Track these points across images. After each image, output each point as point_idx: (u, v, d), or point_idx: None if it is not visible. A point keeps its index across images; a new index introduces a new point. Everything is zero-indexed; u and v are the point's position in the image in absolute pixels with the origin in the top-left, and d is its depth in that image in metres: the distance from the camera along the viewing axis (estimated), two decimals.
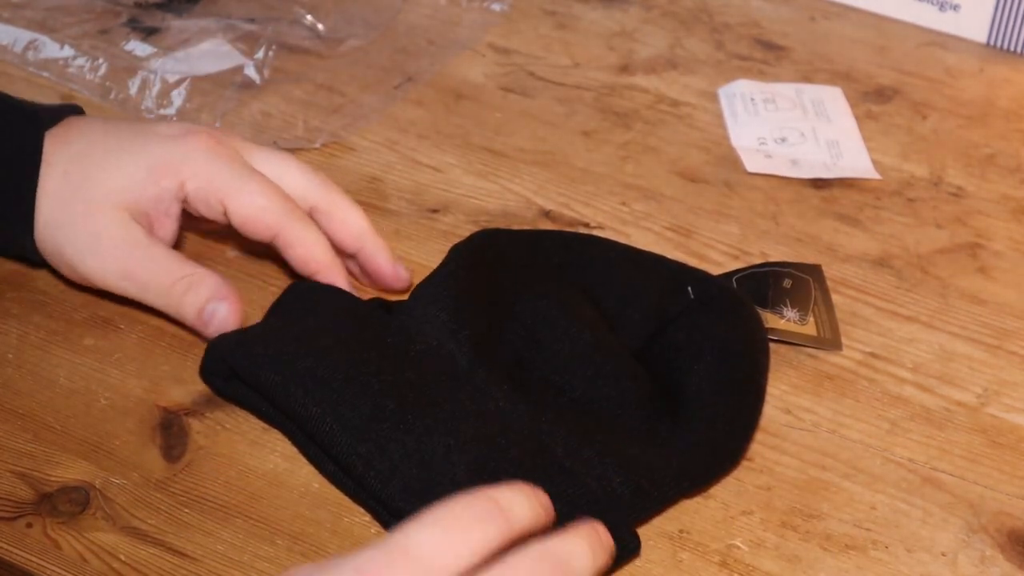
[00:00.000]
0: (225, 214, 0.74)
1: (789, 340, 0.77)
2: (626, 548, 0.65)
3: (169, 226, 0.75)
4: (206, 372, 0.73)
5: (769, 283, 0.79)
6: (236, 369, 0.70)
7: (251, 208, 0.73)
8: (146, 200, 0.73)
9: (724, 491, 0.70)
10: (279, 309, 0.74)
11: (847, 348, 0.78)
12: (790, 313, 0.77)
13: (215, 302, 0.72)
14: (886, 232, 0.86)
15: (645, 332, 0.74)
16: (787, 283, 0.79)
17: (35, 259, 0.76)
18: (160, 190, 0.73)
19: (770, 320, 0.77)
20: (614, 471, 0.66)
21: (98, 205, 0.73)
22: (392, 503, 0.65)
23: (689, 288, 0.75)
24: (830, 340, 0.78)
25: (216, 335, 0.72)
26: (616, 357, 0.72)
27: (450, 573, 0.51)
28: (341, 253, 0.76)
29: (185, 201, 0.74)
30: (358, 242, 0.76)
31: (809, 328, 0.78)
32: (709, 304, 0.74)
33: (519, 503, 0.53)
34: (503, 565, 0.52)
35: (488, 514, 0.52)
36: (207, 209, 0.74)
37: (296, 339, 0.70)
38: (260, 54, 0.96)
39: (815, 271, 0.81)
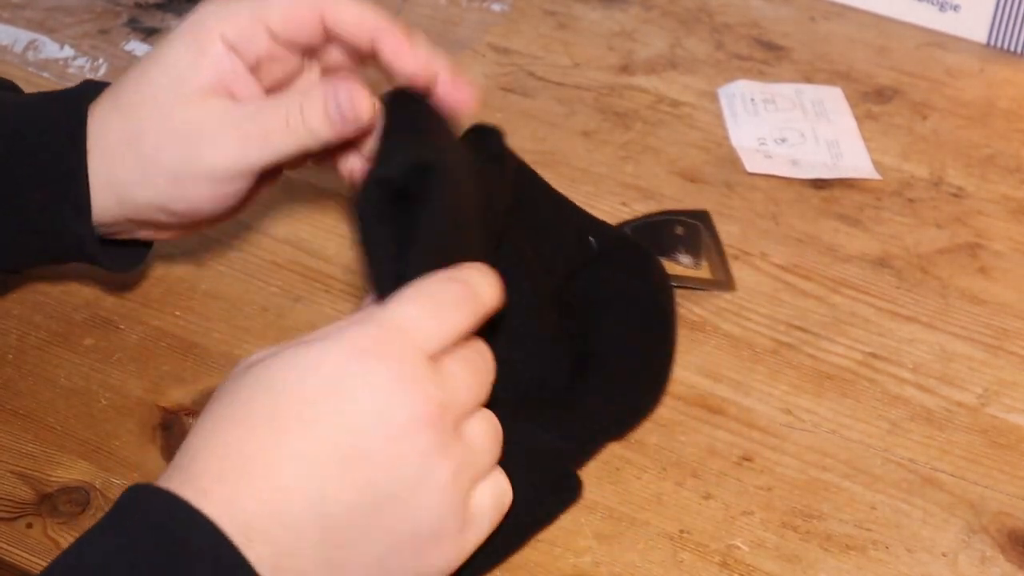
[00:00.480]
0: (270, 35, 0.69)
1: (686, 284, 0.80)
2: (569, 490, 0.68)
3: (247, 81, 0.69)
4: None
5: (663, 231, 0.82)
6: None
7: (284, 4, 0.68)
8: (207, 72, 0.68)
9: (724, 491, 0.70)
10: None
11: (847, 348, 0.78)
12: (684, 259, 0.80)
13: (332, 92, 0.66)
14: (886, 232, 0.86)
15: (561, 278, 0.75)
16: (679, 230, 0.82)
17: (94, 250, 0.70)
18: (210, 57, 0.68)
19: (667, 266, 0.79)
20: (545, 431, 0.68)
21: (169, 106, 0.68)
22: None
23: (592, 239, 0.76)
24: (723, 281, 0.81)
25: (357, 125, 0.66)
26: (544, 315, 0.72)
27: (428, 350, 0.56)
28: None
29: (237, 51, 0.68)
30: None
31: (704, 272, 0.81)
32: (612, 254, 0.76)
33: (487, 285, 0.59)
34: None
35: (464, 299, 0.58)
36: (253, 43, 0.68)
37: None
38: None
39: (704, 217, 0.84)
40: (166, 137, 0.68)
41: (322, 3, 0.69)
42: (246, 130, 0.67)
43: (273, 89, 0.71)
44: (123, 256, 0.73)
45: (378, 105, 0.67)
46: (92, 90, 0.71)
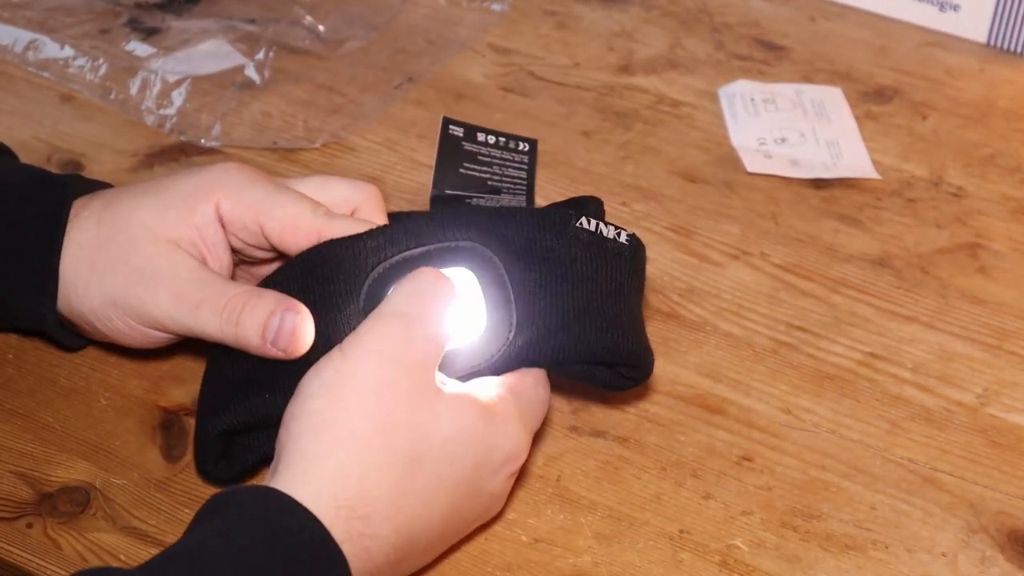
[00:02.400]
0: (262, 233, 0.70)
1: None
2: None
3: (221, 255, 0.70)
4: (206, 464, 0.68)
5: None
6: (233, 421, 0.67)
7: (285, 218, 0.69)
8: (189, 229, 0.69)
9: (724, 491, 0.70)
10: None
11: (847, 348, 0.78)
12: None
13: (279, 313, 0.66)
14: (886, 232, 0.86)
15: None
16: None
17: (53, 328, 0.72)
18: (199, 216, 0.69)
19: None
20: None
21: (140, 241, 0.69)
22: None
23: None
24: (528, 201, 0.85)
25: (282, 356, 0.66)
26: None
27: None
28: None
29: (223, 226, 0.70)
30: None
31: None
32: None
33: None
34: None
35: None
36: (245, 232, 0.70)
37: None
38: (260, 54, 0.96)
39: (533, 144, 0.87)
40: (120, 266, 0.69)
41: (320, 226, 0.69)
42: (185, 293, 0.68)
43: (250, 265, 0.73)
44: (73, 334, 0.74)
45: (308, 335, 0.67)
46: (79, 184, 0.73)
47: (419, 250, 0.67)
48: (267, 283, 0.69)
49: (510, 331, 0.66)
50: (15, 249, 0.70)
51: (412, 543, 0.62)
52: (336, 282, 0.67)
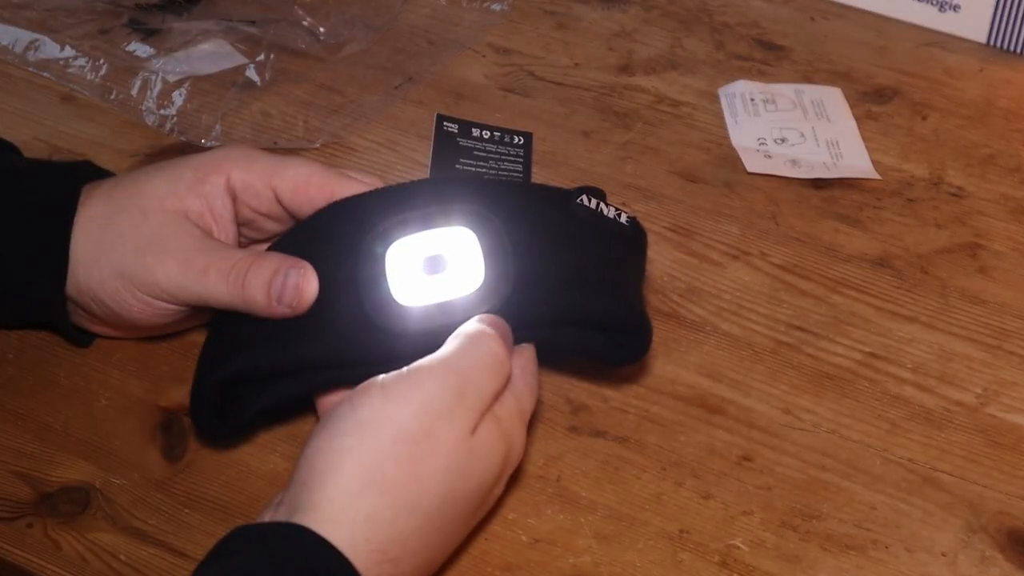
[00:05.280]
0: (275, 196, 0.71)
1: None
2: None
3: (228, 227, 0.72)
4: (202, 417, 0.68)
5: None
6: (234, 371, 0.68)
7: (297, 176, 0.71)
8: (197, 200, 0.70)
9: (724, 491, 0.70)
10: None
11: (847, 348, 0.78)
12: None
13: (283, 271, 0.67)
14: (886, 232, 0.86)
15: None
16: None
17: (59, 312, 0.72)
18: (209, 187, 0.71)
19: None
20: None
21: (150, 210, 0.70)
22: None
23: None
24: None
25: (292, 313, 0.67)
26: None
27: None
28: None
29: (235, 198, 0.72)
30: None
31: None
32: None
33: None
34: None
35: None
36: (257, 199, 0.71)
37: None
38: (261, 55, 0.96)
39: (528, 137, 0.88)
40: (129, 236, 0.70)
41: (333, 183, 0.71)
42: (192, 260, 0.69)
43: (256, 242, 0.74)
44: (80, 329, 0.74)
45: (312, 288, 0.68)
46: (90, 170, 0.74)
47: (421, 211, 0.68)
48: (273, 248, 0.71)
49: (508, 288, 0.66)
50: (26, 230, 0.71)
51: (432, 567, 0.63)
52: (340, 241, 0.68)
